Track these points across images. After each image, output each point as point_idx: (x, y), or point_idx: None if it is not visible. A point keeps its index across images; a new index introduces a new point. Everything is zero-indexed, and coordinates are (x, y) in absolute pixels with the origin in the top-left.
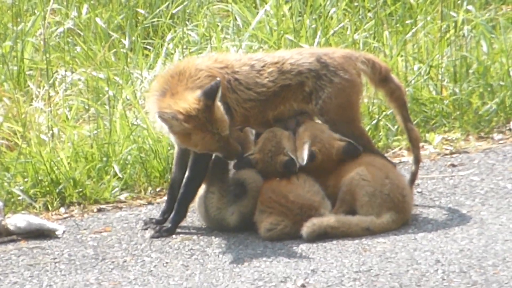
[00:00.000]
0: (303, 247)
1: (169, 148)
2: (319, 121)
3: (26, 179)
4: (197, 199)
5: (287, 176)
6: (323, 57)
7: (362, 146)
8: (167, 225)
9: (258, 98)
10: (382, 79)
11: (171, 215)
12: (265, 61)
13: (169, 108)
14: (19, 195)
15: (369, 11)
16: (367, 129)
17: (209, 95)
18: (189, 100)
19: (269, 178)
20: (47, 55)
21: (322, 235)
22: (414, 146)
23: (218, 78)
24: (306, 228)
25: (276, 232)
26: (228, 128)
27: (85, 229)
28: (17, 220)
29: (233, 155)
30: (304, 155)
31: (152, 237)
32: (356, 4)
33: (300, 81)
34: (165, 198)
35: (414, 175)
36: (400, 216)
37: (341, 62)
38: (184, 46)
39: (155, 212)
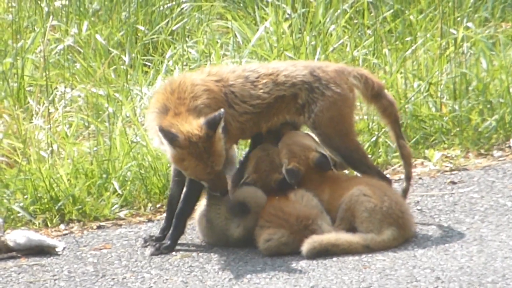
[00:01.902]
0: (302, 264)
1: (168, 165)
2: (310, 133)
3: (25, 196)
4: (197, 214)
5: (285, 193)
6: (316, 70)
7: (358, 161)
8: (166, 242)
9: (253, 111)
10: (374, 95)
11: (170, 232)
12: (259, 72)
13: (172, 127)
14: (18, 212)
15: (368, 28)
16: (366, 145)
17: (212, 125)
18: (193, 125)
19: (269, 195)
20: (47, 72)
21: (323, 252)
22: (406, 163)
23: (222, 110)
24: (307, 245)
25: (274, 243)
26: (222, 163)
27: (84, 246)
28: (16, 236)
29: (219, 189)
30: (286, 177)
31: (152, 254)
32: (355, 21)
33: (293, 93)
34: (165, 215)
35: (405, 192)
36: (401, 233)
37: (333, 76)
38: (184, 63)
39: (155, 229)
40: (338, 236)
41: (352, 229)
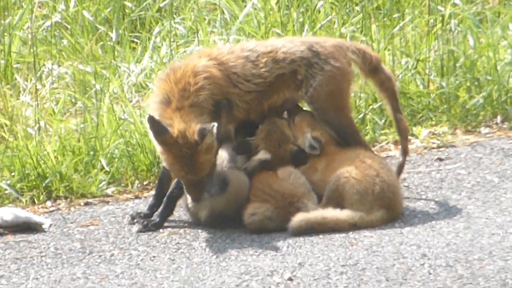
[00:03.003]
0: (290, 241)
1: None
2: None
3: (12, 173)
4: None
5: (274, 170)
6: (314, 46)
7: (350, 136)
8: (155, 219)
9: (256, 90)
10: (372, 69)
11: (160, 210)
12: (258, 51)
13: (170, 121)
14: (5, 189)
15: (356, 4)
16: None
17: (201, 135)
18: (189, 128)
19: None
20: (34, 49)
21: (309, 230)
22: (403, 137)
23: (215, 124)
24: (293, 222)
25: (259, 217)
26: (200, 175)
27: (71, 223)
28: (3, 213)
29: (189, 194)
30: (308, 147)
31: (139, 231)
32: None
33: (293, 70)
34: (152, 192)
35: (401, 167)
36: (390, 214)
37: (332, 51)
38: (172, 40)
39: (142, 206)
40: (325, 214)
41: (339, 207)
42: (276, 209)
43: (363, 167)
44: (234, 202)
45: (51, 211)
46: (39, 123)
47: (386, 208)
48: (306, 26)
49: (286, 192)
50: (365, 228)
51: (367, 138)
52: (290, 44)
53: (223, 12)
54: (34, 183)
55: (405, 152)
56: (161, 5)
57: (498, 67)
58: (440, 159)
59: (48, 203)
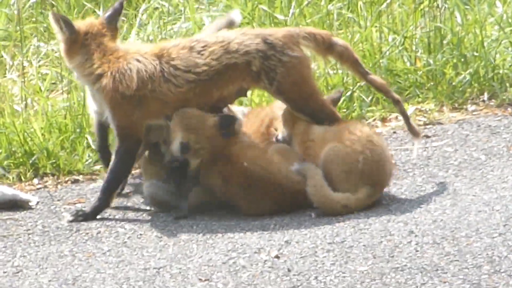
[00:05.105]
0: (277, 219)
1: None
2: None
3: None
4: None
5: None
6: (268, 38)
7: (326, 118)
8: (85, 210)
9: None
10: (327, 47)
11: (93, 202)
12: (206, 42)
13: None
14: None
15: None
16: (341, 100)
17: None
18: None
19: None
20: (21, 26)
21: None
22: (385, 91)
23: None
24: None
25: None
26: None
27: (58, 200)
28: None
29: None
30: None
31: (70, 221)
32: None
33: (247, 61)
34: (139, 170)
35: (404, 115)
36: (377, 190)
37: (285, 41)
38: (158, 17)
39: (129, 181)
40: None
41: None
42: None
43: (351, 141)
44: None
45: (38, 189)
46: (26, 101)
47: (371, 184)
48: (293, 3)
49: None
50: (354, 209)
51: (354, 115)
52: (243, 36)
53: None
54: (21, 160)
55: (397, 100)
56: None
57: (485, 44)
58: (427, 136)
59: (35, 181)
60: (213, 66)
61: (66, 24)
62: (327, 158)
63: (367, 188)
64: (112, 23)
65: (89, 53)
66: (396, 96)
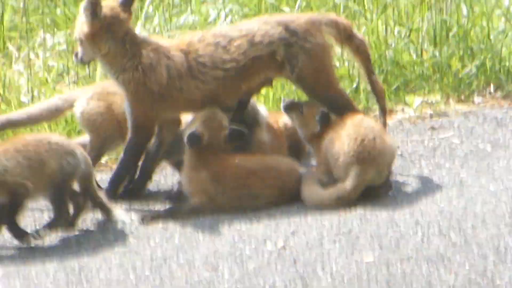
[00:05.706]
0: (283, 209)
1: None
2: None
3: None
4: None
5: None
6: (290, 25)
7: (342, 107)
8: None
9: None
10: (347, 36)
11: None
12: (231, 36)
13: None
14: None
15: None
16: (347, 92)
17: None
18: None
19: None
20: (27, 18)
21: None
22: (379, 97)
23: None
24: None
25: None
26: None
27: None
28: None
29: None
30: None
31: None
32: None
33: (271, 51)
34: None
35: (384, 126)
36: (364, 167)
37: (308, 28)
38: (164, 9)
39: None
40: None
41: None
42: None
43: (347, 132)
44: None
45: None
46: (32, 92)
47: (358, 164)
48: None
49: None
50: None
51: (360, 107)
52: (265, 26)
53: None
54: None
55: (384, 111)
56: None
57: (492, 36)
58: (433, 128)
59: None
60: (240, 61)
61: (98, 7)
62: (327, 146)
63: (355, 168)
64: (127, 6)
65: (117, 42)
66: (386, 107)
